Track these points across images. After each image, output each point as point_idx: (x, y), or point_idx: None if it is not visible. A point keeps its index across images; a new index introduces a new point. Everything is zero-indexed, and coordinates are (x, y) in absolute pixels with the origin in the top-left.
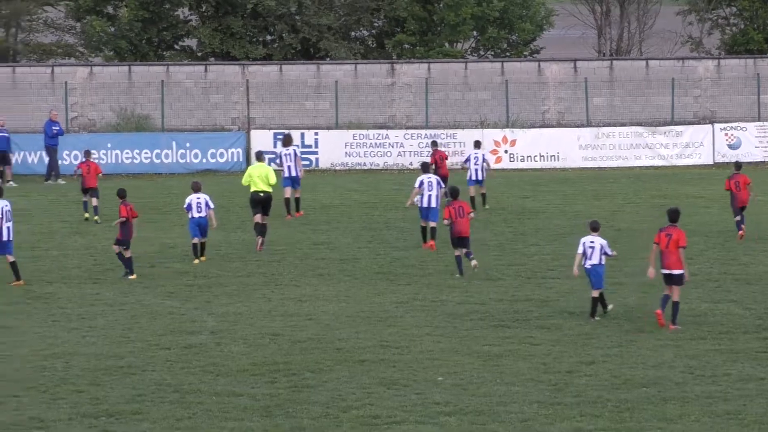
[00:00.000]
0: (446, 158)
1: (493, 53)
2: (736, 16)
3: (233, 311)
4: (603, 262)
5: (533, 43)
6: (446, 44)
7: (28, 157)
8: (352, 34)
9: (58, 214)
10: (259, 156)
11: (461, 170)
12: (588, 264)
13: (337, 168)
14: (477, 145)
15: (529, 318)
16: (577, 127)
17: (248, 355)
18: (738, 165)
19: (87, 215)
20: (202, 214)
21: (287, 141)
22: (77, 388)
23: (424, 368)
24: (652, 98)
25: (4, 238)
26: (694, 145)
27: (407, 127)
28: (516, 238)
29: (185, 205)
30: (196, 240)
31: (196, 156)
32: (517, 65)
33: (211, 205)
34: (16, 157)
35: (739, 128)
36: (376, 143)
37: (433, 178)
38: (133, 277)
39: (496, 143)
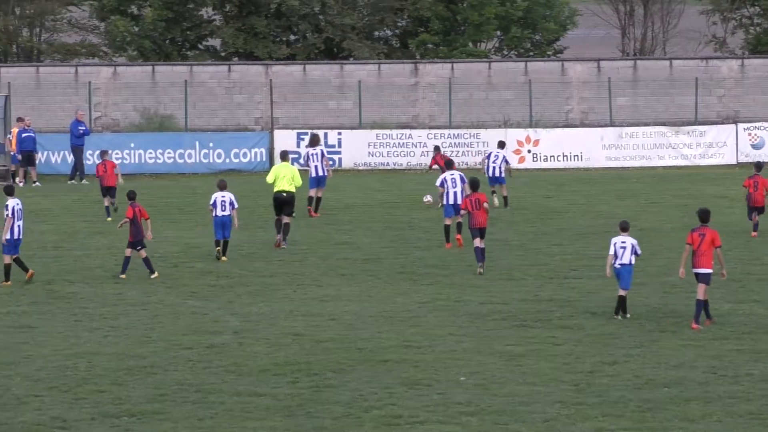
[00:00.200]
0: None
1: (516, 53)
2: (759, 15)
3: (255, 311)
4: (633, 262)
5: (557, 43)
6: (470, 44)
7: (52, 156)
8: (376, 33)
9: (81, 214)
10: (284, 156)
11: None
12: (618, 264)
13: (360, 168)
14: (501, 145)
15: (551, 318)
16: (601, 126)
17: (270, 355)
18: (759, 165)
19: (110, 219)
20: (226, 213)
21: (314, 141)
22: (99, 388)
23: (446, 368)
24: (675, 98)
25: (16, 236)
26: (717, 145)
27: (430, 127)
28: (538, 238)
29: (211, 202)
30: (219, 239)
31: (219, 156)
32: (540, 65)
33: (236, 205)
34: (39, 157)
35: (762, 128)
36: (399, 143)
37: (456, 174)
38: (156, 275)
39: (520, 143)
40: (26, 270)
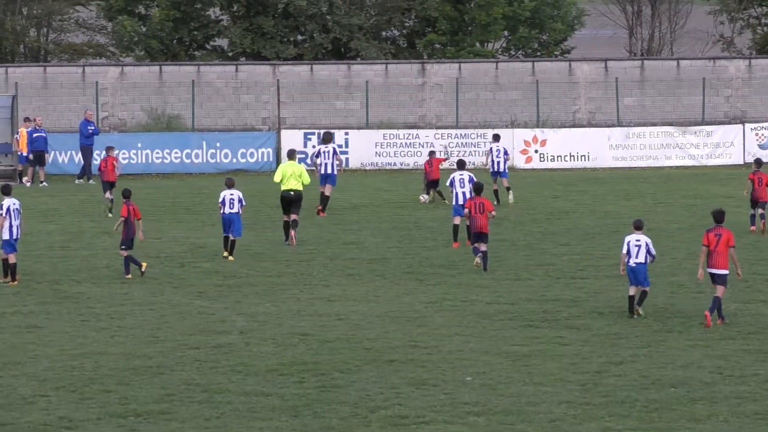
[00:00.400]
0: (440, 162)
1: (524, 53)
2: (767, 16)
3: (262, 311)
4: (647, 261)
5: (564, 43)
6: (477, 44)
7: (59, 156)
8: (383, 33)
9: (88, 214)
10: (291, 154)
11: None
12: (633, 262)
13: (367, 168)
14: (496, 138)
15: (558, 318)
16: (608, 126)
17: (277, 355)
18: (759, 162)
19: (111, 215)
20: (234, 210)
21: (327, 138)
22: (106, 388)
23: (453, 368)
24: (682, 98)
25: (14, 236)
26: (724, 145)
27: (437, 127)
28: (545, 238)
29: (220, 201)
30: (227, 235)
31: (226, 156)
32: (547, 65)
33: (244, 202)
34: (47, 158)
35: None
36: (406, 143)
37: (466, 175)
38: (129, 276)
39: (527, 143)
40: (13, 278)
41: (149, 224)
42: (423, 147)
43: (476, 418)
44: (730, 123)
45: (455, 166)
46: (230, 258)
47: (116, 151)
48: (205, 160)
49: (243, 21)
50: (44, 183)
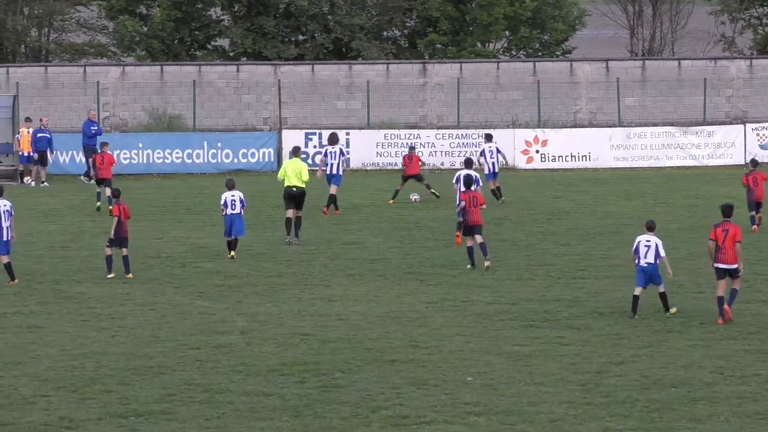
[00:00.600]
0: (419, 160)
1: (525, 53)
2: None
3: (263, 311)
4: (657, 262)
5: (565, 43)
6: (478, 44)
7: (60, 156)
8: (384, 33)
9: (89, 214)
10: (296, 152)
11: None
12: (643, 262)
13: (368, 168)
14: (488, 138)
15: (559, 318)
16: (609, 127)
17: (278, 355)
18: (754, 162)
19: (99, 204)
20: (236, 211)
21: (333, 139)
22: (107, 388)
23: (454, 368)
24: (684, 98)
25: (4, 238)
26: (725, 146)
27: (439, 127)
28: (546, 238)
29: (222, 202)
30: (229, 238)
31: (227, 156)
32: (549, 65)
33: (245, 203)
34: (49, 158)
35: None
36: (407, 143)
37: (472, 174)
38: (111, 276)
39: (528, 143)
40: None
41: (150, 224)
42: (424, 147)
43: (477, 418)
44: (731, 123)
45: (463, 165)
46: (233, 254)
47: (109, 148)
48: (206, 160)
49: (244, 21)
50: (45, 183)
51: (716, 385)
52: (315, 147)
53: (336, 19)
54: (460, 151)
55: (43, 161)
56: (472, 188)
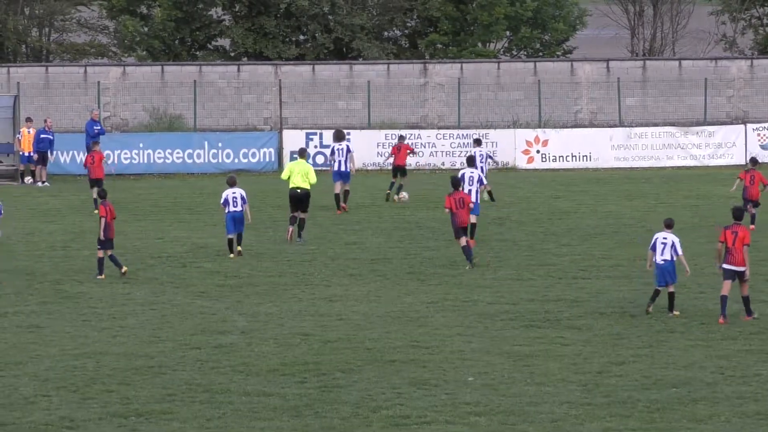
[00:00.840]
0: (410, 150)
1: (525, 53)
2: None
3: (264, 311)
4: (674, 259)
5: (566, 43)
6: (479, 44)
7: (61, 156)
8: (385, 34)
9: (89, 214)
10: (302, 153)
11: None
12: (660, 259)
13: (369, 168)
14: (477, 143)
15: (559, 318)
16: (610, 127)
17: (278, 355)
18: (754, 161)
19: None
20: (238, 209)
21: (340, 136)
22: (107, 388)
23: (455, 368)
24: (684, 98)
25: None
26: (726, 146)
27: (439, 127)
28: (547, 238)
29: (222, 201)
30: (231, 236)
31: (228, 156)
32: (549, 65)
33: (247, 200)
34: (50, 158)
35: None
36: (408, 143)
37: (475, 173)
38: (102, 277)
39: (528, 143)
40: None
41: (151, 224)
42: (425, 147)
43: (478, 419)
44: (732, 123)
45: (465, 164)
46: (238, 248)
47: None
48: (206, 161)
49: (245, 21)
50: (46, 183)
51: (717, 386)
52: (316, 147)
53: (337, 19)
54: (461, 151)
55: (43, 161)
56: (460, 189)
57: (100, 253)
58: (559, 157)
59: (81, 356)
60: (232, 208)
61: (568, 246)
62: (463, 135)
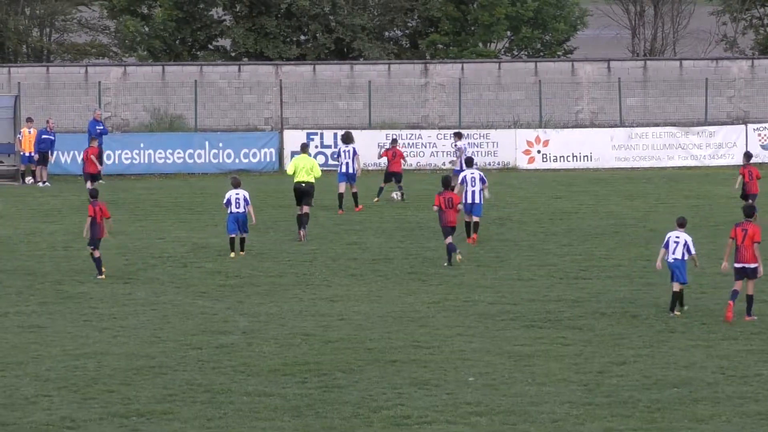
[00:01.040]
0: (402, 157)
1: (526, 53)
2: None
3: (265, 311)
4: (685, 258)
5: (567, 43)
6: (480, 44)
7: (62, 156)
8: (386, 34)
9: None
10: (304, 148)
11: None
12: (671, 258)
13: (369, 168)
14: (458, 135)
15: (560, 318)
16: (611, 127)
17: (279, 355)
18: (748, 155)
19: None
20: (241, 210)
21: (348, 138)
22: (108, 388)
23: (456, 368)
24: (685, 98)
25: None
26: (727, 146)
27: (440, 127)
28: (548, 239)
29: (224, 201)
30: (234, 235)
31: (228, 156)
32: (550, 65)
33: (250, 201)
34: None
35: None
36: (408, 143)
37: (476, 174)
38: (102, 277)
39: (529, 143)
40: None
41: (152, 224)
42: (426, 147)
43: (478, 419)
44: (732, 123)
45: (464, 165)
46: (241, 253)
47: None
48: (207, 161)
49: (246, 21)
50: (46, 183)
51: (718, 386)
52: (317, 147)
53: (337, 20)
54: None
55: (44, 161)
56: (449, 189)
57: (96, 253)
58: (560, 157)
59: (82, 356)
60: (234, 209)
61: (568, 246)
62: (463, 135)
